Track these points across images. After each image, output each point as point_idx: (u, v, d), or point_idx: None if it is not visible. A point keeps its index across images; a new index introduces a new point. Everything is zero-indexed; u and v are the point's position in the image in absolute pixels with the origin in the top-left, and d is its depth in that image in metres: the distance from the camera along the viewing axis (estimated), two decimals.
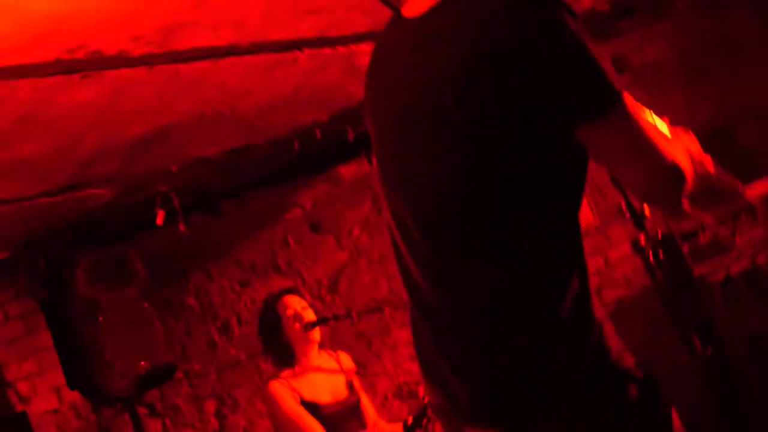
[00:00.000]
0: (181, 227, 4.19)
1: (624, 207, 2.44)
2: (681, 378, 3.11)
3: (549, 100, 1.38)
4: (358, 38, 3.44)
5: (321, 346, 3.55)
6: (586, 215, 4.84)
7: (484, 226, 1.47)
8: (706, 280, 4.00)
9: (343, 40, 3.47)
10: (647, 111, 1.61)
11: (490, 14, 1.41)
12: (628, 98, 1.40)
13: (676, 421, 1.57)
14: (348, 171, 4.84)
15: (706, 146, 4.86)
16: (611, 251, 4.84)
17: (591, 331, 1.47)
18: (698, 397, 2.80)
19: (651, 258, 2.45)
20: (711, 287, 3.98)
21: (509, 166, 1.44)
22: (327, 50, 3.54)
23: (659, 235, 2.57)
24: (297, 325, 3.43)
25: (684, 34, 4.98)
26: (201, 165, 4.22)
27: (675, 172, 1.43)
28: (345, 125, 4.47)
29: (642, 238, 2.44)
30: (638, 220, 2.46)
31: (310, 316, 3.48)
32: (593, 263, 4.85)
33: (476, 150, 1.45)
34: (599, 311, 1.51)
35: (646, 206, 2.48)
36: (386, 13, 3.25)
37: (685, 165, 1.45)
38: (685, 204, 1.50)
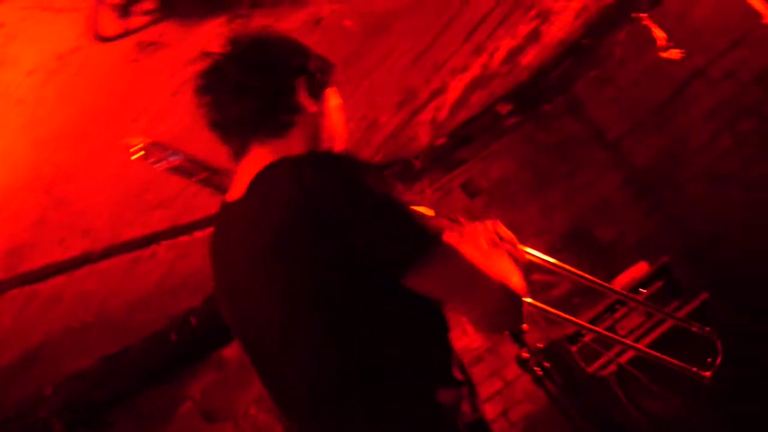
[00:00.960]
0: None
1: None
2: None
3: (364, 257, 1.41)
4: (210, 220, 3.45)
5: None
6: (476, 339, 4.90)
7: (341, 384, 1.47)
8: (600, 376, 4.07)
9: (197, 225, 3.48)
10: (488, 229, 1.67)
11: (288, 192, 1.49)
12: (449, 237, 1.44)
13: None
14: (231, 352, 4.73)
15: (570, 249, 5.02)
16: (506, 370, 4.87)
17: None
18: None
19: (537, 370, 2.47)
20: (606, 382, 4.05)
21: (352, 331, 1.46)
22: (184, 237, 3.53)
23: (541, 346, 2.60)
24: None
25: (522, 148, 5.27)
26: (78, 380, 4.04)
27: (511, 298, 1.47)
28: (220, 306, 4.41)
29: (524, 353, 2.47)
30: (516, 336, 2.50)
31: None
32: (493, 386, 4.86)
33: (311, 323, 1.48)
34: None
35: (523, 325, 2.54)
36: None
37: (518, 284, 1.49)
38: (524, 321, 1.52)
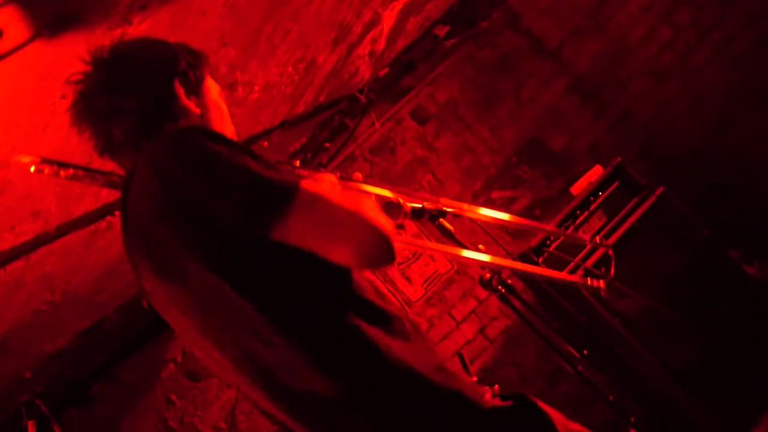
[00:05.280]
0: (56, 430, 3.97)
1: None
2: (579, 386, 3.19)
3: (230, 223, 1.42)
4: None
5: None
6: (444, 263, 4.95)
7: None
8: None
9: None
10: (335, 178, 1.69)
11: (150, 187, 1.49)
12: (306, 186, 1.44)
13: (564, 426, 1.62)
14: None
15: (526, 162, 5.06)
16: (478, 289, 4.96)
17: (440, 387, 1.50)
18: (599, 398, 2.88)
19: (501, 289, 2.52)
20: (575, 288, 4.12)
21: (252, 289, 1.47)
22: None
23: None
24: None
25: (466, 69, 5.26)
26: (56, 360, 4.04)
27: (380, 235, 1.46)
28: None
29: (486, 274, 2.51)
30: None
31: None
32: (467, 306, 4.94)
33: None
34: (433, 358, 1.55)
35: (481, 246, 2.57)
36: None
37: (384, 222, 1.49)
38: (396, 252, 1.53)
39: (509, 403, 1.55)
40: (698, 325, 4.01)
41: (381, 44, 4.31)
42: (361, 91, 4.69)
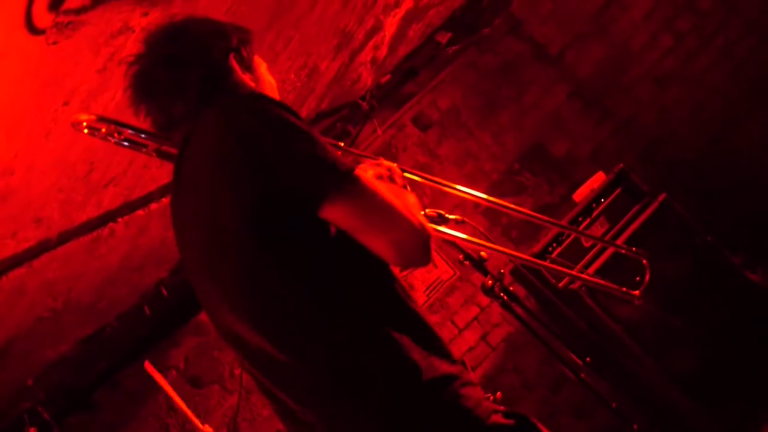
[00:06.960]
0: None
1: (462, 258, 2.51)
2: (582, 392, 3.19)
3: (285, 192, 1.47)
4: (164, 190, 3.43)
5: None
6: (446, 270, 4.95)
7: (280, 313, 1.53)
8: (570, 290, 4.14)
9: (151, 197, 3.45)
10: (391, 172, 1.73)
11: (216, 137, 1.55)
12: (361, 174, 1.50)
13: None
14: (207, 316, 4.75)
15: (528, 168, 5.06)
16: (480, 296, 4.95)
17: (442, 394, 1.49)
18: (602, 404, 2.87)
19: (503, 296, 2.51)
20: (577, 295, 4.12)
21: (279, 259, 1.50)
22: (140, 212, 3.50)
23: (504, 272, 2.65)
24: None
25: (468, 75, 5.26)
26: (58, 367, 4.04)
27: (422, 233, 1.52)
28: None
29: (488, 281, 2.50)
30: (478, 265, 2.53)
31: None
32: (469, 313, 4.94)
33: (245, 258, 1.53)
34: (448, 368, 1.54)
35: (483, 253, 2.57)
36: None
37: (423, 220, 1.54)
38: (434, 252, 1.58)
39: (511, 422, 1.54)
40: (701, 332, 4.00)
41: (383, 51, 4.31)
42: (363, 98, 4.69)
